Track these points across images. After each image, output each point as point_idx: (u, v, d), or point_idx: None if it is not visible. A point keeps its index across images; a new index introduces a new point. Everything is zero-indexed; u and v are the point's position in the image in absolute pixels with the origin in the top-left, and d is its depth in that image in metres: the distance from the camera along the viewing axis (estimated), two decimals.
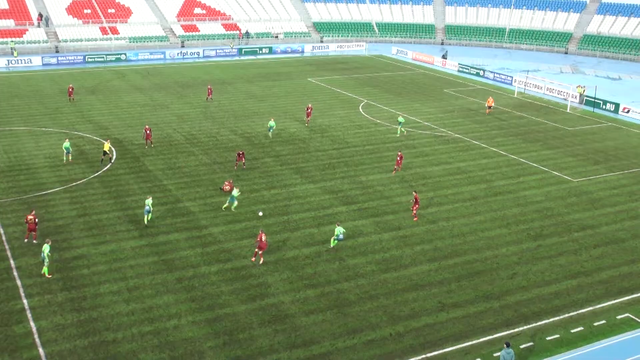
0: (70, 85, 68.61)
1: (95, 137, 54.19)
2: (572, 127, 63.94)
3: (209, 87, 70.54)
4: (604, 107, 71.82)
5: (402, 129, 57.73)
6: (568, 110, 70.65)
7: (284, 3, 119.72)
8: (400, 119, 58.15)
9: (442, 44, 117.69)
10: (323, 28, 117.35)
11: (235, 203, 40.08)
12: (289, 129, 58.83)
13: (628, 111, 69.73)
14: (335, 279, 32.64)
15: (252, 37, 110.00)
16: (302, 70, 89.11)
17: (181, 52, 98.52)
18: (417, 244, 36.67)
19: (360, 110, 66.82)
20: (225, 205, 40.15)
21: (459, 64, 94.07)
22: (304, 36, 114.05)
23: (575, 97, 74.17)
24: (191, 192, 43.04)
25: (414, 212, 39.77)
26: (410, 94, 75.52)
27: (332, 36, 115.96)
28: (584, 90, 74.91)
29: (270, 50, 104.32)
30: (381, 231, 38.19)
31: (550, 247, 37.02)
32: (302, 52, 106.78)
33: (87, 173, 46.01)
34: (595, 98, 72.81)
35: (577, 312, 30.47)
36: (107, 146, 47.95)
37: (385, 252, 35.64)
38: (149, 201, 37.70)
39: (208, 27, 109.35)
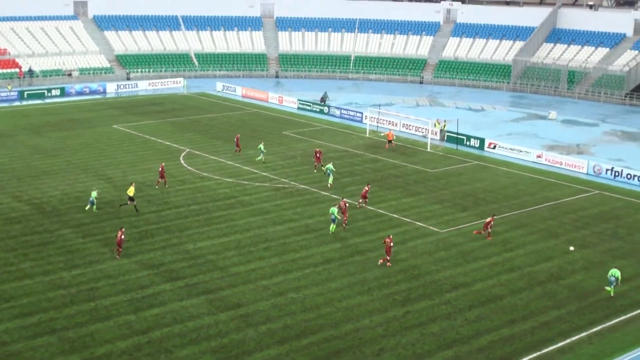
0: None
1: None
2: (435, 168, 67.40)
3: (237, 135, 71.74)
4: (467, 143, 76.48)
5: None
6: (429, 149, 74.49)
7: (78, 32, 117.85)
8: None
9: (277, 76, 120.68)
10: (129, 62, 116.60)
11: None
12: (91, 190, 57.35)
13: (494, 147, 74.66)
14: None
15: (38, 76, 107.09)
16: (105, 115, 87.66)
17: None
18: (262, 323, 36.71)
19: (182, 161, 66.63)
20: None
21: (298, 100, 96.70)
22: (105, 72, 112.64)
23: (436, 133, 78.44)
24: None
25: (489, 230, 49.19)
26: (242, 139, 76.41)
27: (142, 71, 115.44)
28: (444, 126, 79.43)
29: (62, 92, 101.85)
30: (216, 311, 37.91)
31: (421, 313, 38.41)
32: (104, 92, 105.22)
33: None
34: (457, 133, 77.39)
35: None
36: (132, 190, 52.22)
37: (223, 337, 35.35)
38: (94, 193, 51.99)
39: None
